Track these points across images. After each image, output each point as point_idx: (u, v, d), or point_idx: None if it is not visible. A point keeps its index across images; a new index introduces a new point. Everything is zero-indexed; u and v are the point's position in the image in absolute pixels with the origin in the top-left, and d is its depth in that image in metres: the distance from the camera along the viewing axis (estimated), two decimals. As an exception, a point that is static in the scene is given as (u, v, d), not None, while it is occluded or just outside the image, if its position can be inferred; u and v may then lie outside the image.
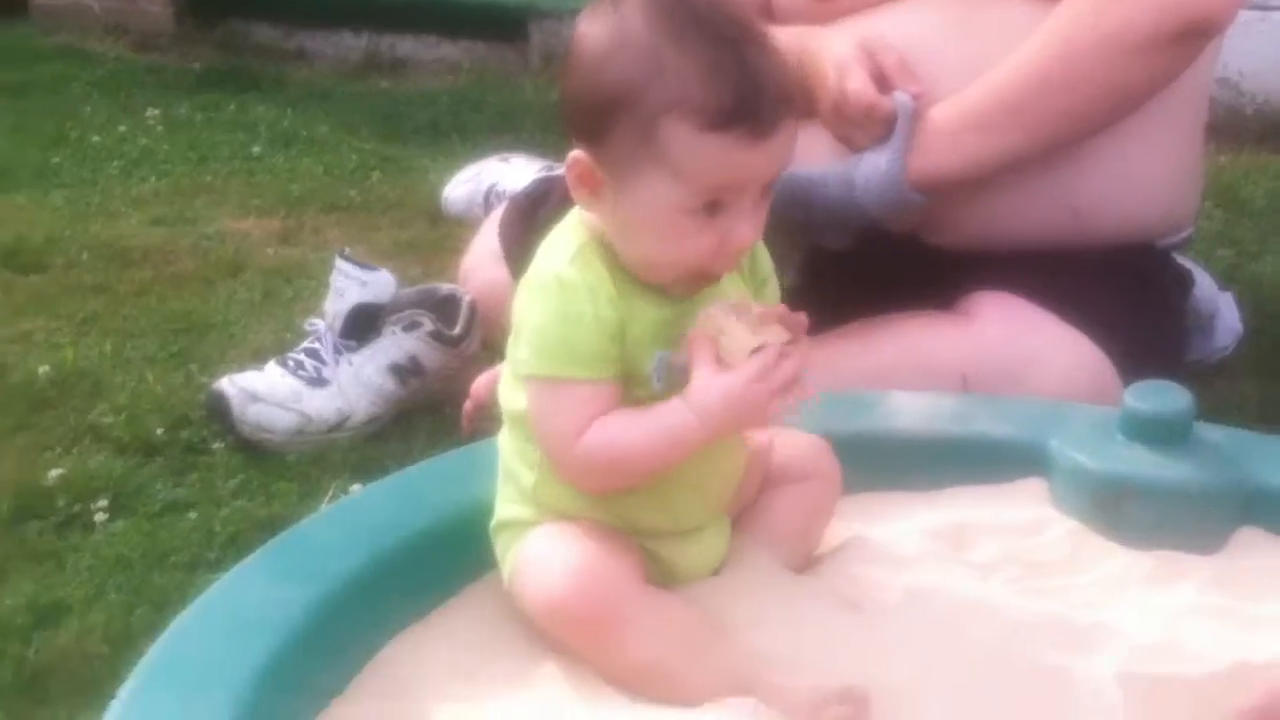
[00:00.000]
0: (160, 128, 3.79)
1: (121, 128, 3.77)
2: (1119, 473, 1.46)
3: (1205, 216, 2.68)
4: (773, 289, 1.31)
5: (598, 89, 1.15)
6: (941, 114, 1.83)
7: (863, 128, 1.85)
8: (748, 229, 1.16)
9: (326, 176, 3.38)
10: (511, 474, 1.31)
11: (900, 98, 1.80)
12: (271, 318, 2.52)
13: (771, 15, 2.12)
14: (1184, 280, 2.09)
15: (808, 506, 1.40)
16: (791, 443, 1.40)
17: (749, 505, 1.38)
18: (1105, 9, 1.79)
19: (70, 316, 2.53)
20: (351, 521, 1.44)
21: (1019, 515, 1.48)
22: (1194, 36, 1.82)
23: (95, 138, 3.70)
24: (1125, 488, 1.45)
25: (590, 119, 1.16)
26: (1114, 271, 1.89)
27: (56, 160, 3.53)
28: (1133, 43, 1.79)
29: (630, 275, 1.20)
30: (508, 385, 1.29)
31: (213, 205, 3.19)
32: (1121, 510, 1.44)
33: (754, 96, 1.11)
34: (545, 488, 1.28)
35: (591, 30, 1.16)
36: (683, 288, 1.21)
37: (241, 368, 2.19)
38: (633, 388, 1.21)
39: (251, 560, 1.36)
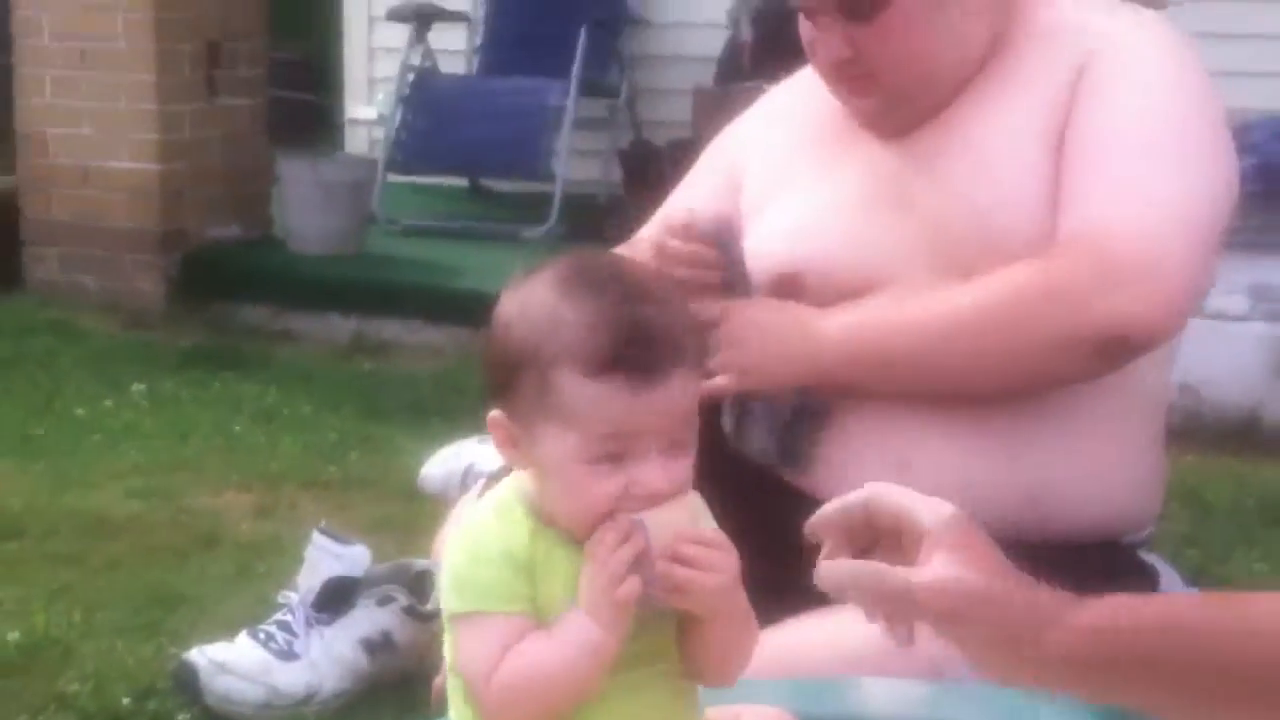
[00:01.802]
0: (145, 403, 3.85)
1: (107, 402, 3.82)
2: (1091, 765, 1.45)
3: (1171, 517, 2.72)
4: None
5: (505, 349, 1.21)
6: (840, 314, 1.87)
7: None
8: (655, 477, 1.19)
9: (306, 453, 3.42)
10: None
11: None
12: (245, 592, 2.52)
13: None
14: (1150, 576, 2.11)
15: (779, 783, 1.38)
16: (756, 717, 1.39)
17: (717, 787, 1.37)
18: (1046, 298, 1.81)
19: (43, 585, 2.54)
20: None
21: (989, 806, 1.47)
22: (1126, 350, 1.83)
23: (79, 410, 3.74)
24: (1098, 781, 1.44)
25: (500, 378, 1.22)
26: (1078, 565, 1.89)
27: (40, 431, 3.57)
28: (1061, 338, 1.80)
29: (551, 529, 1.23)
30: (446, 641, 1.30)
31: (191, 480, 3.22)
32: (1091, 805, 1.43)
33: (638, 345, 1.17)
34: None
35: (507, 301, 1.24)
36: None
37: (212, 640, 2.18)
38: None
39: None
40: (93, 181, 5.01)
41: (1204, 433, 3.46)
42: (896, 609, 1.20)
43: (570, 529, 1.23)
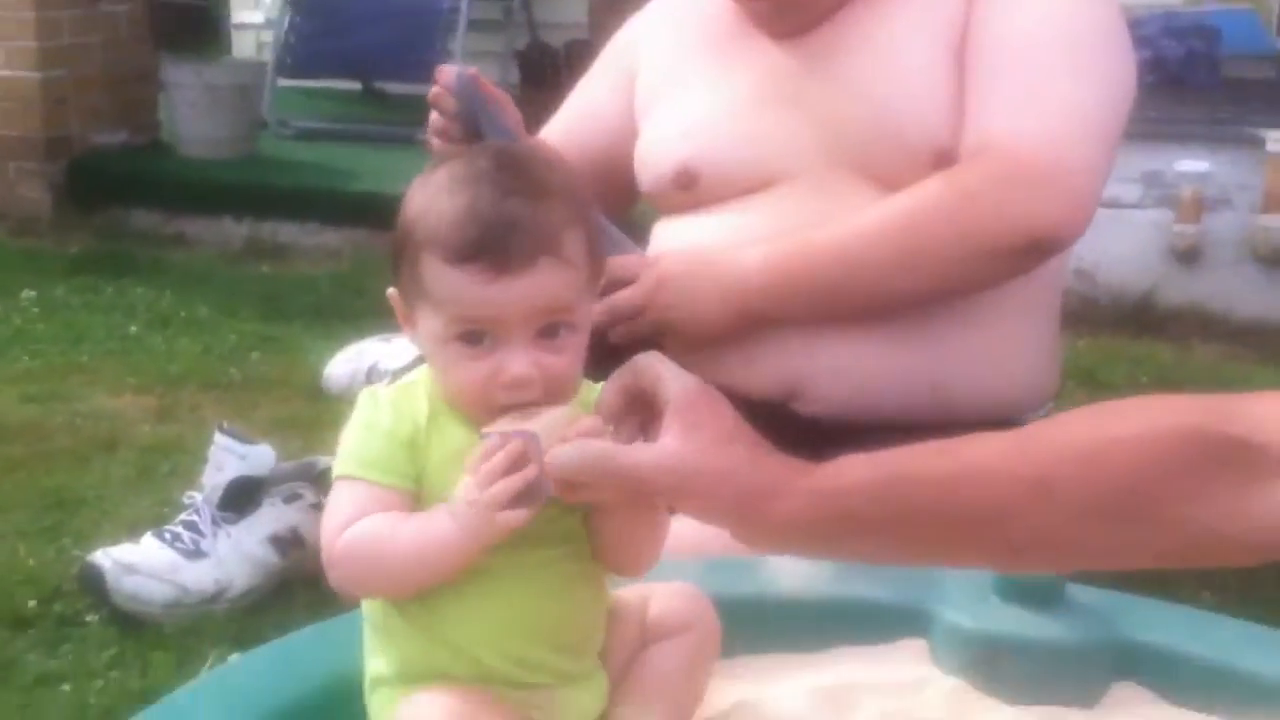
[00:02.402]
0: (35, 309, 3.77)
1: (-5, 308, 3.75)
2: (994, 632, 1.49)
3: (1068, 396, 2.78)
4: None
5: (396, 231, 1.24)
6: (760, 254, 1.88)
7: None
8: (519, 362, 1.20)
9: (205, 356, 3.38)
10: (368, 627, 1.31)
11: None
12: (147, 493, 2.50)
13: (632, 196, 2.19)
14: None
15: (688, 660, 1.39)
16: (667, 593, 1.41)
17: (628, 664, 1.38)
18: (960, 208, 1.85)
19: (-60, 491, 2.49)
20: (227, 690, 1.41)
21: (901, 675, 1.50)
22: (1038, 252, 1.88)
23: (-32, 318, 3.67)
24: (1001, 646, 1.48)
25: (391, 257, 1.24)
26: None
27: (-71, 340, 3.49)
28: (979, 246, 1.85)
29: (449, 409, 1.24)
30: None
31: (87, 384, 3.17)
32: (999, 669, 1.47)
33: (500, 235, 1.18)
34: (381, 642, 1.28)
35: (411, 187, 1.25)
36: (488, 420, 1.24)
37: (116, 542, 2.16)
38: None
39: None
40: (-30, 90, 4.88)
41: (1100, 316, 3.54)
42: (627, 488, 1.19)
43: (457, 407, 1.24)
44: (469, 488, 1.17)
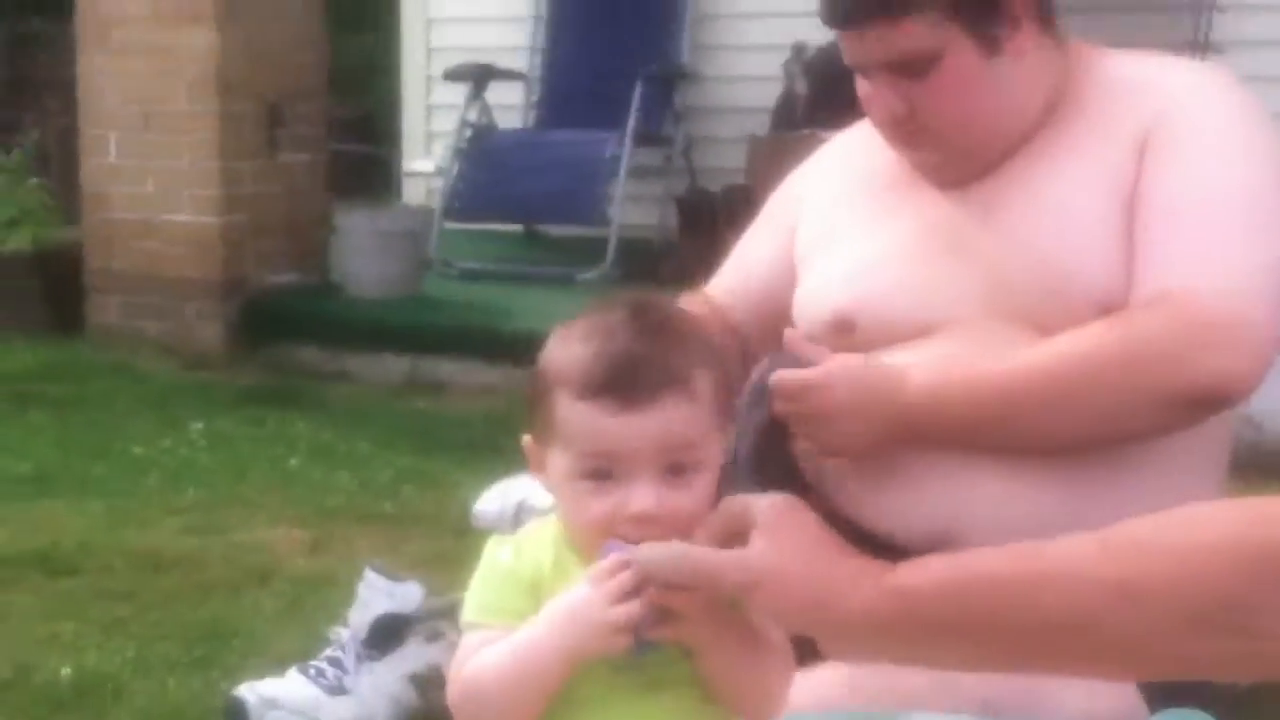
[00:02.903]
0: (202, 441, 3.88)
1: (165, 441, 3.86)
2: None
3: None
4: None
5: (531, 377, 1.28)
6: (925, 377, 1.85)
7: None
8: (644, 497, 1.21)
9: (361, 490, 3.44)
10: None
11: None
12: (298, 626, 2.53)
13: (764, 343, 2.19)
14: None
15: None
16: (806, 752, 1.38)
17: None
18: (1135, 352, 1.80)
19: (97, 621, 2.56)
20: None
21: None
22: (1214, 403, 1.81)
23: (138, 449, 3.78)
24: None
25: (528, 404, 1.29)
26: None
27: (98, 470, 3.60)
28: (1152, 394, 1.79)
29: (573, 552, 1.26)
30: None
31: (247, 515, 3.24)
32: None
33: (625, 372, 1.22)
34: None
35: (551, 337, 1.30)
36: None
37: (263, 676, 2.19)
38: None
39: None
40: (155, 233, 5.08)
41: (1265, 465, 3.40)
42: (706, 585, 1.20)
43: (580, 549, 1.24)
44: (590, 603, 1.18)
